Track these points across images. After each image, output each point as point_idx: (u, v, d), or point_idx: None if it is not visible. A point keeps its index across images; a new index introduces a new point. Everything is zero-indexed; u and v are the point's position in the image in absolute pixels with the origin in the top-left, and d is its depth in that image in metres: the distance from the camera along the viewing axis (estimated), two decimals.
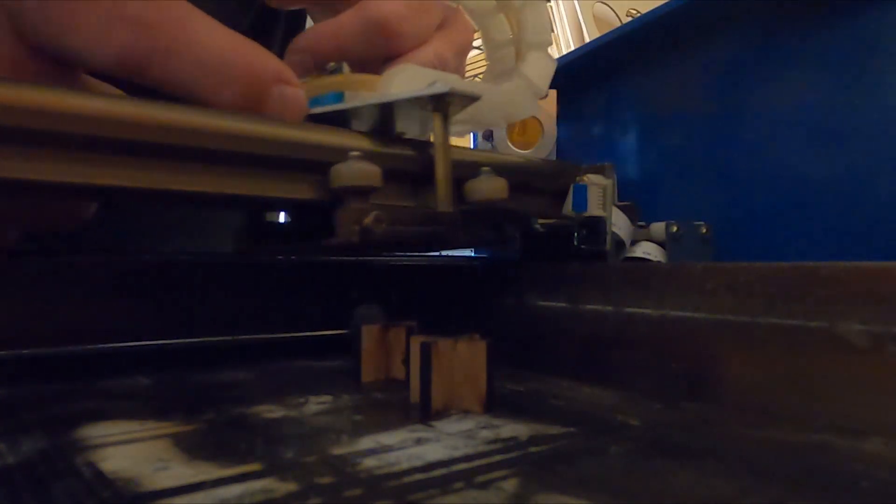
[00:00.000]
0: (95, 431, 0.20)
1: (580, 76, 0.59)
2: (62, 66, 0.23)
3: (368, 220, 0.25)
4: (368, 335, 0.28)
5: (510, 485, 0.16)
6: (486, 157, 0.33)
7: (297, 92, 0.26)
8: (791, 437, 0.20)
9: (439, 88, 0.26)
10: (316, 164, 0.25)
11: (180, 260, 0.33)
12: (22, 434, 0.19)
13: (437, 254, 0.45)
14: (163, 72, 0.23)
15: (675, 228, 0.42)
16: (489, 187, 0.29)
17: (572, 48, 0.71)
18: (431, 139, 0.28)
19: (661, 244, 0.42)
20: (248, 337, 0.33)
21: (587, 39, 0.76)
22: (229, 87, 0.24)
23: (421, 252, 0.40)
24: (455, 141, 0.29)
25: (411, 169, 0.28)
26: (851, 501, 0.15)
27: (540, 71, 0.34)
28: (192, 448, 0.18)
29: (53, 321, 0.28)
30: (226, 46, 0.24)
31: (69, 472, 0.16)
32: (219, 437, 0.20)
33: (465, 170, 0.29)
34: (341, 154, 0.25)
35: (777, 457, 0.18)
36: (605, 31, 0.65)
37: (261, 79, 0.25)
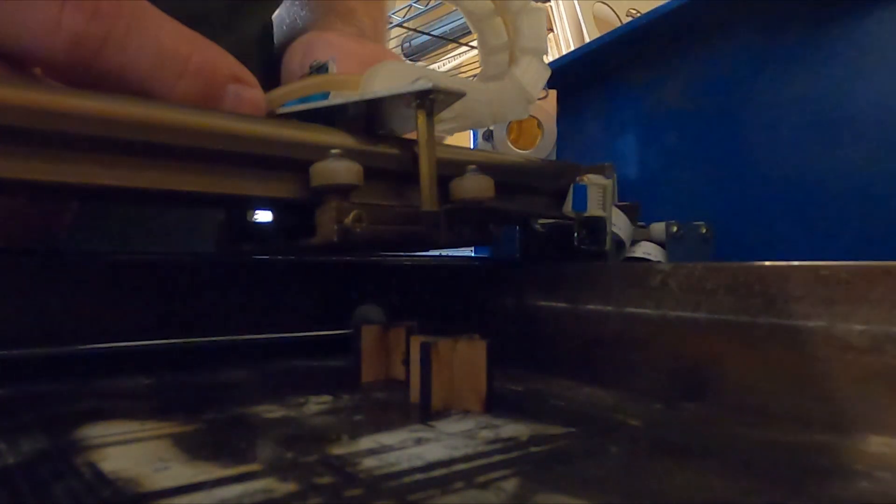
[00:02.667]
0: (95, 431, 0.20)
1: (580, 76, 0.59)
2: (10, 65, 0.22)
3: (348, 219, 0.25)
4: (368, 335, 0.28)
5: (510, 485, 0.16)
6: (484, 156, 0.33)
7: (253, 93, 0.26)
8: (791, 437, 0.20)
9: (423, 85, 0.26)
10: (298, 163, 0.25)
11: (180, 260, 0.33)
12: (22, 434, 0.19)
13: (437, 254, 0.45)
14: (117, 60, 0.22)
15: (675, 228, 0.42)
16: (474, 186, 0.28)
17: (572, 48, 0.71)
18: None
19: (661, 244, 0.42)
20: (248, 337, 0.33)
21: (587, 39, 0.76)
22: (185, 80, 0.24)
23: (410, 252, 0.40)
24: (454, 139, 0.29)
25: (396, 167, 0.28)
26: (851, 501, 0.15)
27: (532, 76, 0.34)
28: (192, 448, 0.18)
29: (53, 321, 0.28)
30: (183, 39, 0.24)
31: (69, 472, 0.16)
32: (219, 437, 0.20)
33: (455, 168, 0.29)
34: (323, 152, 0.25)
35: (777, 457, 0.18)
36: (605, 31, 0.65)
37: (217, 75, 0.25)
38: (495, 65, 0.36)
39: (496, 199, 0.29)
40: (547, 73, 0.35)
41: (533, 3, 0.35)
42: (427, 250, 0.38)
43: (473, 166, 0.29)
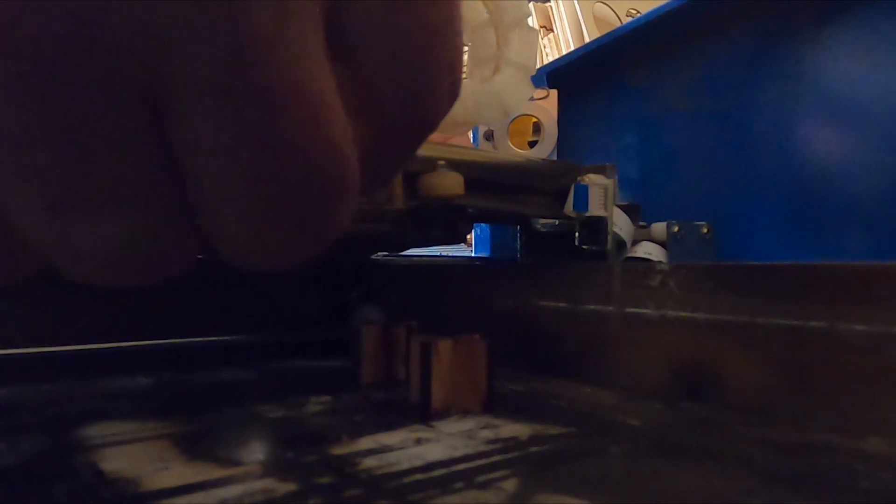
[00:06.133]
0: (95, 431, 0.20)
1: (580, 76, 0.59)
2: None
3: None
4: (368, 335, 0.28)
5: (510, 485, 0.16)
6: (485, 156, 0.33)
7: None
8: (791, 437, 0.20)
9: None
10: None
11: None
12: (22, 434, 0.19)
13: (437, 253, 0.45)
14: None
15: (676, 228, 0.42)
16: (444, 183, 0.27)
17: (572, 48, 0.71)
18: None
19: (662, 244, 0.42)
20: (248, 337, 0.33)
21: (587, 39, 0.76)
22: None
23: (376, 253, 0.39)
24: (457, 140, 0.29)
25: None
26: (851, 501, 0.15)
27: (512, 88, 0.33)
28: (192, 448, 0.18)
29: (53, 321, 0.28)
30: None
31: (69, 472, 0.16)
32: (218, 438, 0.20)
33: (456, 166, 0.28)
34: None
35: (777, 457, 0.18)
36: (605, 31, 0.65)
37: None
38: (481, 77, 0.35)
39: (469, 197, 0.28)
40: (529, 91, 0.34)
41: (528, 23, 0.35)
42: (397, 251, 0.37)
43: (443, 162, 0.28)
